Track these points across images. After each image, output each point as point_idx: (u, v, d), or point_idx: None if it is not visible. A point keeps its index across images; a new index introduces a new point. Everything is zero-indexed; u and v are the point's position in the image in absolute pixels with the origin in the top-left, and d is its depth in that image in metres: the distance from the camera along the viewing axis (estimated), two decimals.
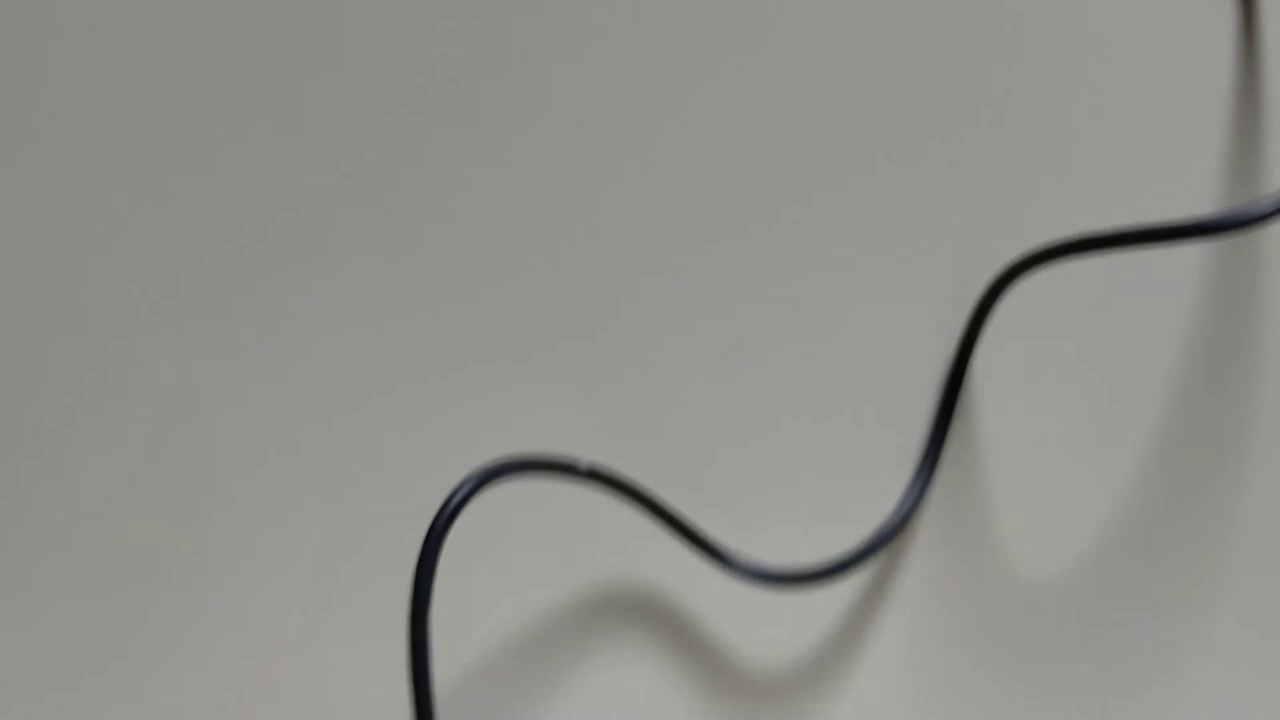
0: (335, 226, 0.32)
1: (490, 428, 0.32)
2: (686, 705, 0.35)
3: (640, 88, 0.33)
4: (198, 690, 0.32)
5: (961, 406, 0.35)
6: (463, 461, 0.29)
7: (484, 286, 0.33)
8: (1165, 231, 0.31)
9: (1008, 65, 0.34)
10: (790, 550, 0.34)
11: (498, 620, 0.33)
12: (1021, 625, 0.36)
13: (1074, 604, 0.36)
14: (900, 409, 0.35)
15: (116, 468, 0.31)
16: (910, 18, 0.34)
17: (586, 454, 0.32)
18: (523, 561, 0.34)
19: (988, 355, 0.34)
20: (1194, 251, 0.34)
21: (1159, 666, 0.36)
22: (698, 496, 0.34)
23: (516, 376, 0.33)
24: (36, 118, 0.31)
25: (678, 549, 0.33)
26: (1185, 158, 0.33)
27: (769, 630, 0.35)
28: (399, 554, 0.28)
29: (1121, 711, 0.36)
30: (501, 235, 0.33)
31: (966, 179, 0.34)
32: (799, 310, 0.34)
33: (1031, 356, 0.35)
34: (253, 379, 0.32)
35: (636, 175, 0.33)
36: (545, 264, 0.33)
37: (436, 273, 0.33)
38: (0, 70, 0.30)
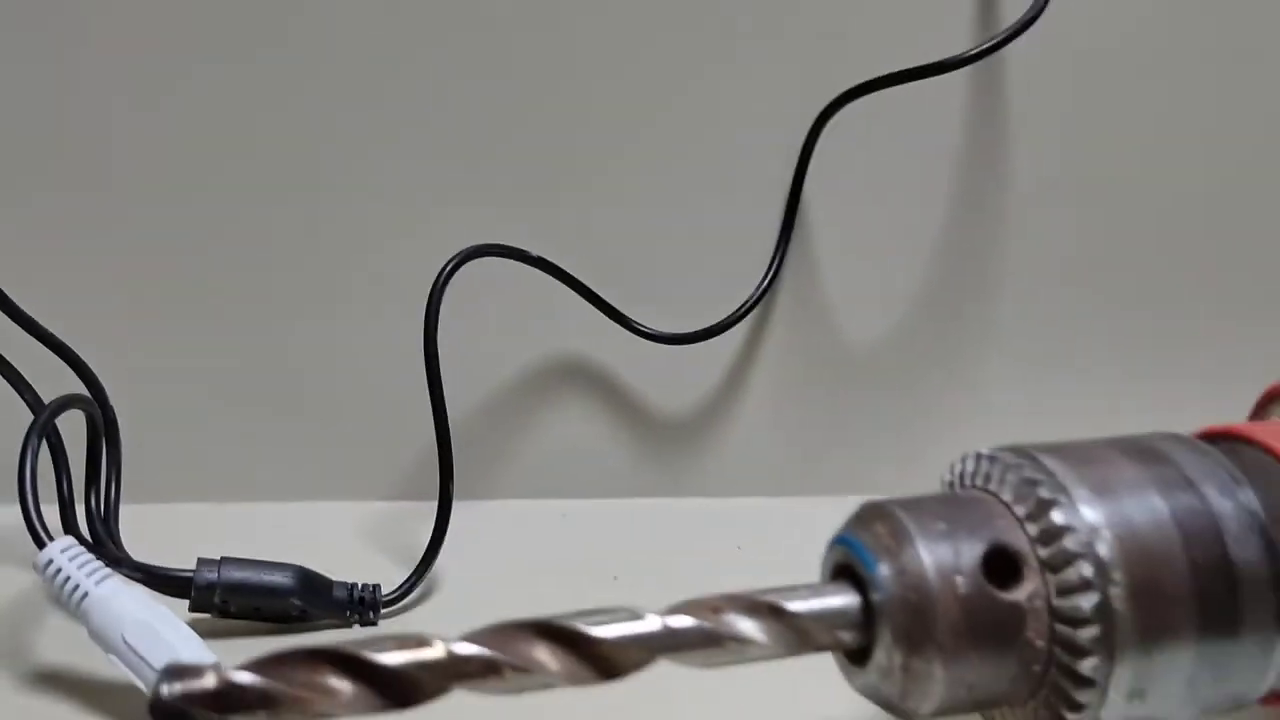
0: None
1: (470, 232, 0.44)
2: (610, 437, 0.48)
3: None
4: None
5: (802, 210, 0.47)
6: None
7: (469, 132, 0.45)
8: (935, 66, 0.44)
9: None
10: (682, 321, 0.47)
11: (473, 369, 0.46)
12: (855, 367, 0.49)
13: (895, 349, 0.49)
14: (757, 214, 0.47)
15: None
16: None
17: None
18: (492, 332, 0.46)
19: (820, 168, 0.47)
20: (961, 80, 0.47)
21: (961, 389, 0.50)
22: (616, 285, 0.46)
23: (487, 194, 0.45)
24: None
25: (601, 319, 0.45)
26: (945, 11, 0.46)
27: (671, 381, 0.48)
28: (414, 309, 0.40)
29: (933, 422, 0.50)
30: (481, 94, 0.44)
31: (792, 33, 0.46)
32: (682, 143, 0.46)
33: (852, 168, 0.47)
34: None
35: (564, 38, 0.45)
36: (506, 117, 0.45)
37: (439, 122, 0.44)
38: None
